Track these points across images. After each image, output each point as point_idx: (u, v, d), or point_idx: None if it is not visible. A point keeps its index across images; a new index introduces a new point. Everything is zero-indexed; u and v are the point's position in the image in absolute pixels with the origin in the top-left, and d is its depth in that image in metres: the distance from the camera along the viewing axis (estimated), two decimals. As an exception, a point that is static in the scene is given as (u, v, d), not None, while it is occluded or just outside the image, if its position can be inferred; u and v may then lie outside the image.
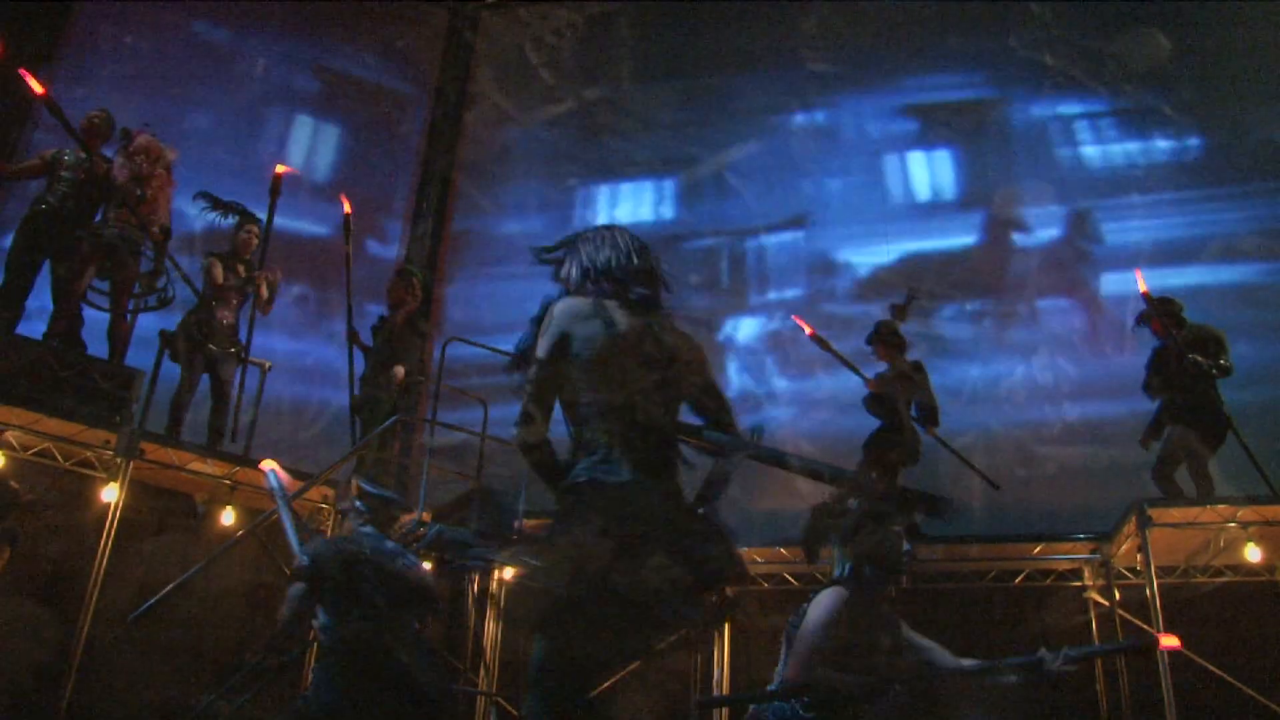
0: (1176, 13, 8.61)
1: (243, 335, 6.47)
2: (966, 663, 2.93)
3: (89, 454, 5.78)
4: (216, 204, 6.52)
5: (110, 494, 5.56)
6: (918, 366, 6.73)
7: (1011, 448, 7.58)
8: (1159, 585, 5.57)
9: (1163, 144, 8.53)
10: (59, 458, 5.78)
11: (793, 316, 7.42)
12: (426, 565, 6.79)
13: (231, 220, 6.58)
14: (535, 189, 9.98)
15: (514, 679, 6.77)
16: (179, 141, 6.63)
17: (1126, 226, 8.30)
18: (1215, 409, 5.86)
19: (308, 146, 9.20)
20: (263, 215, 6.63)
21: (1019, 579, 6.74)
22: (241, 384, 6.38)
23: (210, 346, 6.23)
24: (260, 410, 6.61)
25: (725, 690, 6.58)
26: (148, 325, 6.35)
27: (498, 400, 6.60)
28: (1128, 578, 6.37)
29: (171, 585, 5.39)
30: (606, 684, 4.76)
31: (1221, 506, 5.72)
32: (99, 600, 5.27)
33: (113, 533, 5.42)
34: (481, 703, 6.69)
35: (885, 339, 6.75)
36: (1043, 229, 8.53)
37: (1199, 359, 5.89)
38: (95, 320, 6.15)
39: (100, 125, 6.19)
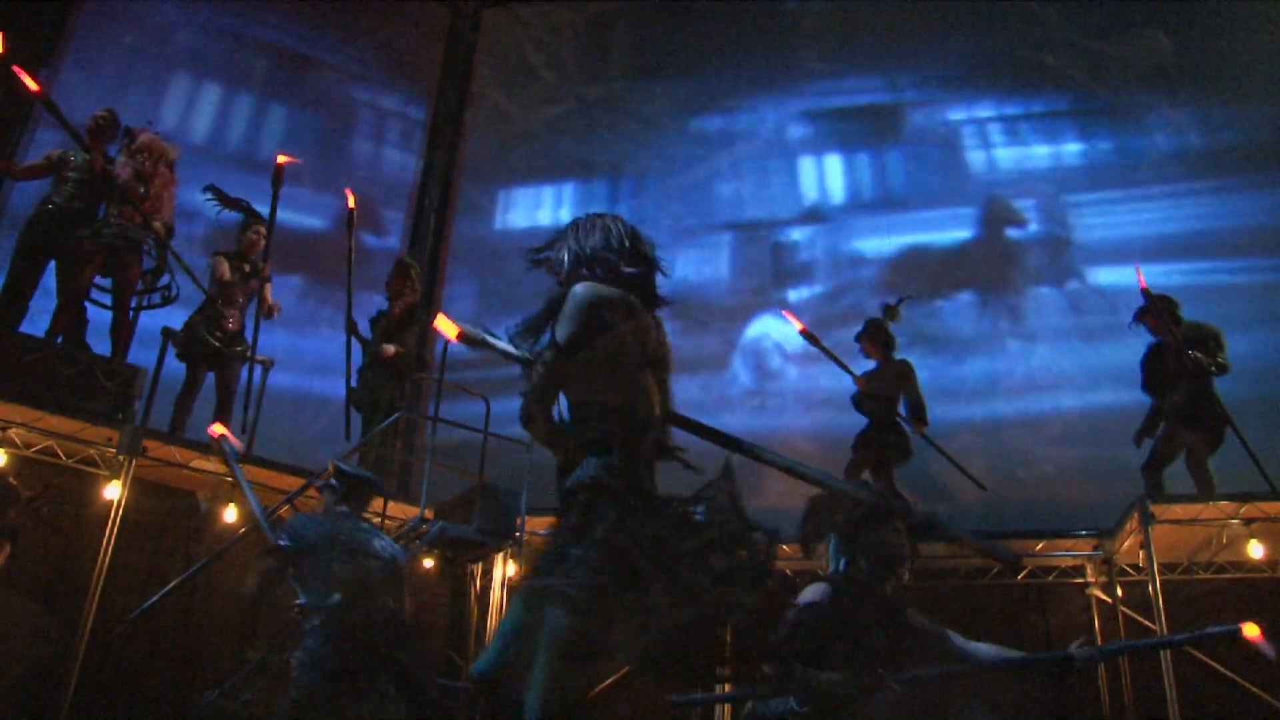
0: (1175, 13, 8.67)
1: (248, 334, 6.46)
2: (984, 649, 2.86)
3: (91, 451, 5.76)
4: (223, 199, 6.52)
5: (112, 491, 5.55)
6: (906, 365, 6.70)
7: (1013, 444, 7.59)
8: (1161, 582, 5.57)
9: (1160, 139, 8.54)
10: (61, 455, 5.77)
11: (783, 312, 7.27)
12: (429, 563, 6.89)
13: (236, 216, 6.57)
14: (535, 188, 9.98)
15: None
16: (179, 139, 6.62)
17: (1121, 221, 8.32)
18: (1214, 407, 5.86)
19: (309, 144, 9.20)
20: (264, 210, 6.61)
21: (1021, 576, 6.74)
22: (248, 384, 6.38)
23: (216, 345, 6.23)
24: (261, 406, 6.60)
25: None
26: (150, 323, 6.34)
27: (500, 397, 6.60)
28: (1130, 574, 6.37)
29: (174, 582, 5.38)
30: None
31: (1224, 503, 5.74)
32: (101, 597, 5.26)
33: (115, 530, 5.41)
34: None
35: (874, 336, 6.72)
36: (1037, 224, 8.55)
37: (1199, 356, 5.88)
38: (98, 318, 6.15)
39: (105, 124, 6.17)
